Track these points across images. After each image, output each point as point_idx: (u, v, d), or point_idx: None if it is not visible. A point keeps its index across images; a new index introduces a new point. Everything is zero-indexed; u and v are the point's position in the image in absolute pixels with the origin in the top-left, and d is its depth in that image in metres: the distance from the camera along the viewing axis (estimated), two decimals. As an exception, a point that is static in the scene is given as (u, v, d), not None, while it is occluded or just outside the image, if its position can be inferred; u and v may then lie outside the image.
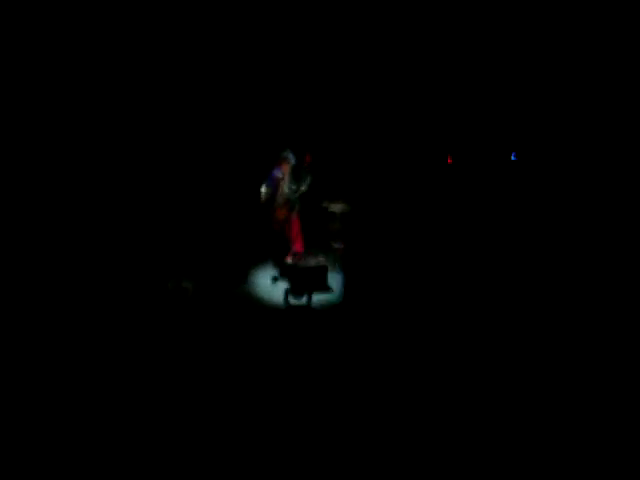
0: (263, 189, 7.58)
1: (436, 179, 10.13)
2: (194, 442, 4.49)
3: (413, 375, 5.53)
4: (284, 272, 7.84)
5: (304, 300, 7.50)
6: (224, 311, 7.21)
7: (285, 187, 7.61)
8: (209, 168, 9.70)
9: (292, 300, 7.50)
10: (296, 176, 7.67)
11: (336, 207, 8.26)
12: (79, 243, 8.13)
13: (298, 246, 7.98)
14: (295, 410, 4.90)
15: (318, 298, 7.55)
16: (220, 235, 8.77)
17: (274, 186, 7.53)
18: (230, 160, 9.67)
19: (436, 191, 9.90)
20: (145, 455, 4.30)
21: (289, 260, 7.95)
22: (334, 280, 7.88)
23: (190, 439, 4.50)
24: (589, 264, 7.99)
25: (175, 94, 9.75)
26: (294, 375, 5.66)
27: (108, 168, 9.27)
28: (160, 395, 5.18)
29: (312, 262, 7.93)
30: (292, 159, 7.55)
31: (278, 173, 7.55)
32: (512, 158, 11.43)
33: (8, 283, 7.07)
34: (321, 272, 7.74)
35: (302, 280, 7.58)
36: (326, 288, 7.69)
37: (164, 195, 9.14)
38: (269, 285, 7.89)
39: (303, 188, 7.81)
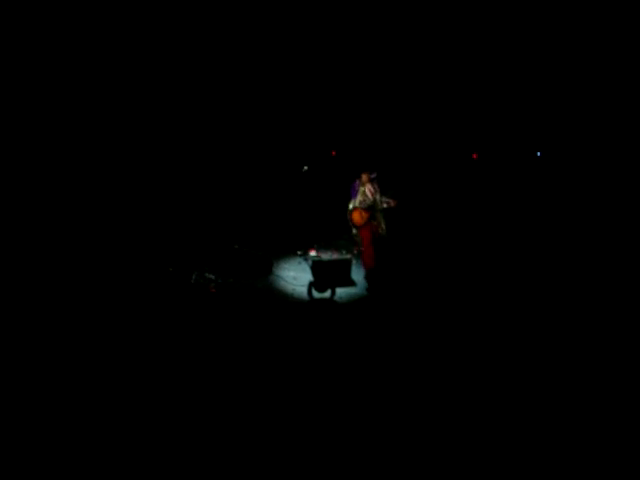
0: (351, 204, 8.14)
1: (462, 175, 10.10)
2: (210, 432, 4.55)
3: (428, 371, 5.55)
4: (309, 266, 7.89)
5: (327, 293, 7.55)
6: (247, 303, 7.26)
7: (371, 195, 8.01)
8: (237, 161, 9.77)
9: (316, 293, 7.54)
10: (380, 188, 8.11)
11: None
12: (106, 235, 8.23)
13: (367, 258, 8.04)
14: (311, 403, 4.95)
15: (341, 292, 7.59)
16: (245, 227, 8.85)
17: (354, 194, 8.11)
18: (260, 153, 9.72)
19: (461, 186, 9.87)
20: (159, 440, 4.37)
21: (313, 253, 7.99)
22: (357, 274, 7.91)
23: (208, 429, 4.55)
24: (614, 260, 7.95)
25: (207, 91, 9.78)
26: (314, 368, 5.68)
27: (137, 158, 9.36)
28: (181, 385, 5.25)
29: (336, 256, 7.97)
30: (374, 175, 8.09)
31: (358, 184, 8.13)
32: (537, 154, 11.38)
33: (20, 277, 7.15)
34: (344, 266, 7.77)
35: (326, 274, 7.62)
36: (349, 282, 7.72)
37: (191, 188, 9.22)
38: (293, 278, 7.96)
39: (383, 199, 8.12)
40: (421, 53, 10.15)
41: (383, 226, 7.99)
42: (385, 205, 7.96)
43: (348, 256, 8.00)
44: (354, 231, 8.11)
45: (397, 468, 4.05)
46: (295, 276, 8.03)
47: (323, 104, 9.74)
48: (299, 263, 8.23)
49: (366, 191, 8.00)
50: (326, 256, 7.89)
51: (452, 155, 10.34)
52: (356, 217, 7.98)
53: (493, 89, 10.55)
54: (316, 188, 8.82)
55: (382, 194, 7.97)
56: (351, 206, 8.06)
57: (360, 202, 7.97)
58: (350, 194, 8.06)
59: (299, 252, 8.19)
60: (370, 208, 7.95)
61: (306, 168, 8.28)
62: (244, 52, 9.76)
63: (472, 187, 9.93)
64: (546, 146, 10.74)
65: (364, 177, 7.99)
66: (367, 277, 7.97)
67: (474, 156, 10.31)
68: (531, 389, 5.03)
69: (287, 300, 7.49)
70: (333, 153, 8.55)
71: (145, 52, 9.46)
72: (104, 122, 9.30)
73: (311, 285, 7.55)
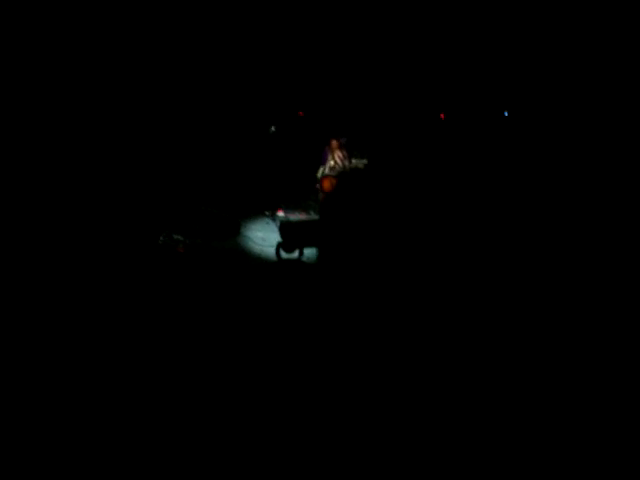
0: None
1: (429, 135, 10.10)
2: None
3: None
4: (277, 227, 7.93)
5: (295, 254, 7.62)
6: (215, 264, 7.25)
7: (340, 161, 8.05)
8: (204, 121, 9.55)
9: (284, 254, 7.61)
10: (349, 153, 8.17)
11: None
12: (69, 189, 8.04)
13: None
14: (287, 370, 5.02)
15: (309, 252, 7.67)
16: (213, 188, 8.76)
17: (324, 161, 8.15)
18: (227, 111, 9.52)
19: (428, 147, 9.88)
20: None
21: (281, 214, 8.02)
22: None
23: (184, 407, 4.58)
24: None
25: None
26: (285, 331, 5.74)
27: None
28: (152, 354, 5.25)
29: (304, 217, 8.03)
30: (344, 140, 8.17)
31: (328, 151, 8.14)
32: (504, 114, 11.46)
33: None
34: (312, 227, 7.84)
35: (294, 234, 7.68)
36: (317, 243, 7.79)
37: (158, 143, 9.02)
38: (261, 238, 8.00)
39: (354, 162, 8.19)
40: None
41: None
42: (354, 167, 7.99)
43: (316, 217, 8.06)
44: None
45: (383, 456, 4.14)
46: (263, 237, 8.06)
47: (293, 62, 9.56)
48: (267, 224, 8.26)
49: (335, 157, 7.99)
50: (294, 217, 7.95)
51: (420, 115, 10.32)
52: (326, 184, 7.98)
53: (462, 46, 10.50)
54: (283, 149, 8.76)
55: (350, 158, 7.99)
56: (320, 173, 8.05)
57: (330, 169, 7.97)
58: (321, 161, 8.04)
59: (267, 213, 8.21)
60: (340, 175, 7.96)
61: (273, 129, 8.21)
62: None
63: (441, 150, 9.95)
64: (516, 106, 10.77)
65: (333, 143, 7.96)
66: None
67: (441, 116, 10.33)
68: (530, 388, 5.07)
69: (255, 261, 7.53)
70: (300, 114, 8.45)
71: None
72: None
73: (279, 246, 7.60)
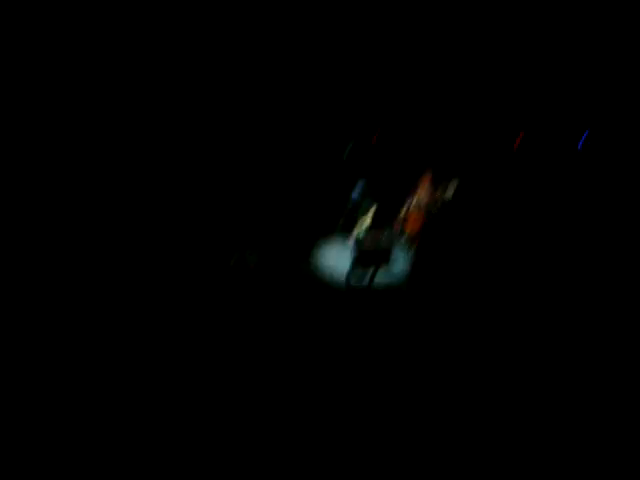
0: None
1: (501, 166, 9.83)
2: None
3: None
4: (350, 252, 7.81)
5: (366, 281, 7.48)
6: (285, 285, 7.23)
7: (429, 198, 7.67)
8: (282, 142, 9.58)
9: (354, 279, 7.48)
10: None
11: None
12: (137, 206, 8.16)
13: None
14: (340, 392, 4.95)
15: (380, 280, 7.50)
16: (287, 209, 8.74)
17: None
18: (299, 131, 9.51)
19: (501, 178, 9.60)
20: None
21: (354, 239, 7.89)
22: (397, 263, 7.82)
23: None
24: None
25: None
26: (349, 356, 5.67)
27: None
28: (215, 369, 5.25)
29: (377, 243, 7.86)
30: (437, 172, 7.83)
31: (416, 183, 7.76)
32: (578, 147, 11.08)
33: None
34: (385, 254, 7.68)
35: (366, 261, 7.55)
36: (390, 270, 7.64)
37: (231, 163, 9.09)
38: (333, 262, 7.88)
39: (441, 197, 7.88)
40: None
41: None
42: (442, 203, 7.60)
43: (390, 243, 7.89)
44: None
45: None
46: (334, 261, 7.94)
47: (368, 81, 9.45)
48: (339, 248, 8.13)
49: (424, 192, 7.67)
50: (367, 243, 7.79)
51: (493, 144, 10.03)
52: (413, 224, 7.72)
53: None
54: (359, 172, 8.64)
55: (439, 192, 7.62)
56: (404, 210, 7.72)
57: (415, 205, 7.65)
58: (401, 192, 7.73)
59: (340, 236, 8.09)
60: (425, 210, 7.65)
61: (348, 151, 8.12)
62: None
63: (513, 179, 9.65)
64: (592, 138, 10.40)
65: (425, 176, 7.66)
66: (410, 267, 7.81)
67: (516, 143, 10.02)
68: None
69: (324, 285, 7.43)
70: (374, 140, 8.32)
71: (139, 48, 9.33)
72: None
73: (350, 270, 7.48)
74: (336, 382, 5.13)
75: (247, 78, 9.52)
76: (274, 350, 5.77)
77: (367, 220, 7.75)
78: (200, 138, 9.21)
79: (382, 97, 9.36)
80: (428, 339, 6.09)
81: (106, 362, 5.20)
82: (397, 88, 9.51)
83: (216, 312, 6.47)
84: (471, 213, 7.90)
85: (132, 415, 4.43)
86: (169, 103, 9.25)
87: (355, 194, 7.79)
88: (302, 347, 5.86)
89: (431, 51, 9.66)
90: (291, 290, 7.21)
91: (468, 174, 8.77)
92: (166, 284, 6.90)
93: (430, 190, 7.62)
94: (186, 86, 9.29)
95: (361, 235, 7.79)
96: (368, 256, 7.55)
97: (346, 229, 8.04)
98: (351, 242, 7.80)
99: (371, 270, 7.48)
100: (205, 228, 8.04)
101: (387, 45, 9.51)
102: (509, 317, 6.63)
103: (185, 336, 5.90)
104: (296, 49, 9.49)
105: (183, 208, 8.33)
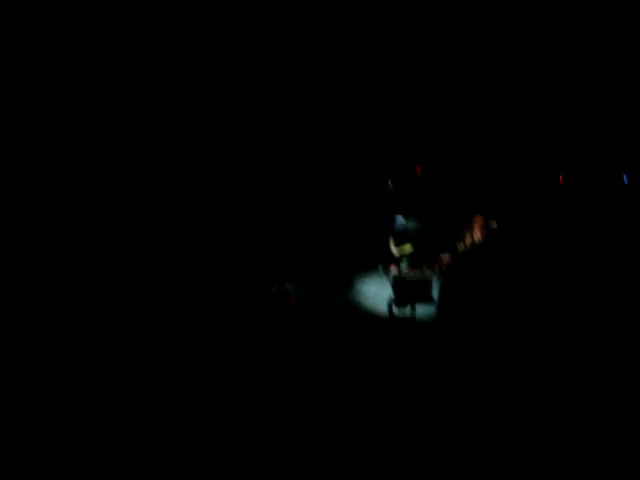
0: None
1: (548, 199, 9.77)
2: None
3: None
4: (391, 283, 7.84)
5: (407, 312, 7.47)
6: (326, 317, 7.29)
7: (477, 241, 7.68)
8: (319, 171, 9.77)
9: (396, 311, 7.49)
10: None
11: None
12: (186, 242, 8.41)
13: None
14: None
15: (422, 311, 7.49)
16: (328, 240, 8.88)
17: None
18: (343, 164, 9.68)
19: (547, 210, 9.53)
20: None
21: (394, 271, 7.93)
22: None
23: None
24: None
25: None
26: (391, 386, 5.68)
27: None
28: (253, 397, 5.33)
29: (417, 275, 7.87)
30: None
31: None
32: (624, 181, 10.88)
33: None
34: (425, 285, 7.67)
35: (406, 292, 7.56)
36: (430, 301, 7.61)
37: (272, 199, 9.31)
38: (374, 293, 7.93)
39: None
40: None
41: None
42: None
43: (430, 275, 7.88)
44: None
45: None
46: (375, 291, 7.99)
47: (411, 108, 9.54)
48: (380, 278, 8.18)
49: (475, 236, 7.66)
50: (407, 273, 7.81)
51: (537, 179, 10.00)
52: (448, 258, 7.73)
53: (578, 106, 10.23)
54: (399, 205, 8.76)
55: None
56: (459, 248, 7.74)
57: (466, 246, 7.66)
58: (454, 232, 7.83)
59: (380, 267, 8.14)
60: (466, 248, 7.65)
61: (390, 183, 8.27)
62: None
63: (559, 212, 9.56)
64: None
65: (478, 220, 7.62)
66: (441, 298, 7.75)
67: (561, 181, 9.96)
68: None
69: (366, 316, 7.46)
70: (418, 170, 8.45)
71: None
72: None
73: (391, 302, 7.50)
74: (374, 406, 5.15)
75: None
76: (314, 376, 5.81)
77: (407, 250, 7.80)
78: (242, 168, 9.45)
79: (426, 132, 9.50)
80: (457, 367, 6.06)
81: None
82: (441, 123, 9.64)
83: (258, 340, 6.58)
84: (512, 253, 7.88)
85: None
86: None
87: (397, 225, 7.86)
88: (342, 373, 5.89)
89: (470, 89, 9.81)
90: (332, 320, 7.26)
91: (510, 214, 8.78)
92: (212, 312, 7.07)
93: (476, 231, 7.60)
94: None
95: (403, 266, 7.84)
96: (409, 287, 7.56)
97: (387, 260, 8.09)
98: (392, 273, 7.84)
99: (411, 301, 7.48)
100: (249, 259, 8.23)
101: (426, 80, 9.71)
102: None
103: (228, 361, 6.02)
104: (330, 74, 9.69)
105: (227, 237, 8.55)
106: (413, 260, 7.78)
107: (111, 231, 8.10)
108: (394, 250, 7.87)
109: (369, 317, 7.44)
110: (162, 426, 4.71)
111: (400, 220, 7.88)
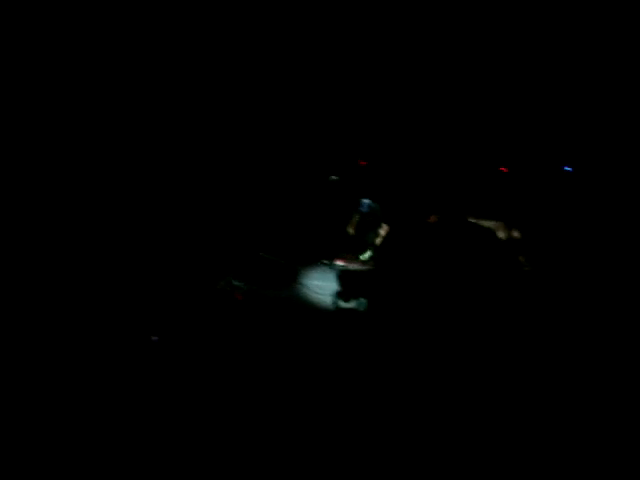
0: None
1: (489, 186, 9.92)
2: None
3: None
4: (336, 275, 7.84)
5: (353, 304, 7.48)
6: (272, 311, 7.26)
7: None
8: (261, 168, 9.69)
9: (341, 303, 7.49)
10: None
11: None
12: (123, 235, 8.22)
13: None
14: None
15: (365, 301, 7.52)
16: (272, 234, 8.80)
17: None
18: (285, 158, 9.61)
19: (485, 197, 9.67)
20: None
21: (340, 262, 7.93)
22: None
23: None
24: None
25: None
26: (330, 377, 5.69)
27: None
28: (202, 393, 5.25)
29: (362, 266, 7.91)
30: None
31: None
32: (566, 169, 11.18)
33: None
34: (372, 276, 7.71)
35: (353, 284, 7.58)
36: (377, 293, 7.64)
37: (213, 190, 9.16)
38: (319, 287, 7.89)
39: None
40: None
41: None
42: None
43: (375, 266, 7.92)
44: None
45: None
46: (320, 285, 7.95)
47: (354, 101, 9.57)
48: (325, 272, 8.16)
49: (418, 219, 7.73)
50: (353, 266, 7.83)
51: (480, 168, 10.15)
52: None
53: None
54: (343, 198, 8.74)
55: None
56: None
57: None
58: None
59: (325, 261, 8.12)
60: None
61: (334, 177, 8.23)
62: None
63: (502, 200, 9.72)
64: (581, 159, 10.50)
65: (432, 219, 7.74)
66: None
67: (504, 170, 10.13)
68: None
69: (311, 310, 7.45)
70: (362, 163, 8.44)
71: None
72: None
73: (337, 295, 7.50)
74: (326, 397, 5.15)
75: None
76: (263, 369, 5.79)
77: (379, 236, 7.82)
78: (185, 156, 9.30)
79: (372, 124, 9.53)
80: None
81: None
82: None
83: (204, 335, 6.49)
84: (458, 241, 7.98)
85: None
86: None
87: (364, 208, 7.82)
88: (289, 367, 5.88)
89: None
90: (281, 314, 7.23)
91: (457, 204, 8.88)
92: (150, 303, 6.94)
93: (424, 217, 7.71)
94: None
95: (366, 256, 7.86)
96: (355, 279, 7.58)
97: (332, 253, 8.08)
98: (338, 266, 7.84)
99: (357, 292, 7.50)
100: (193, 254, 8.09)
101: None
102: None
103: (170, 358, 5.91)
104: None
105: (167, 230, 8.39)
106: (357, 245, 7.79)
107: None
108: (356, 234, 7.85)
109: (314, 310, 7.42)
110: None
111: (367, 202, 7.83)
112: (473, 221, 8.11)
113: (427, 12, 9.68)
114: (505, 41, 9.98)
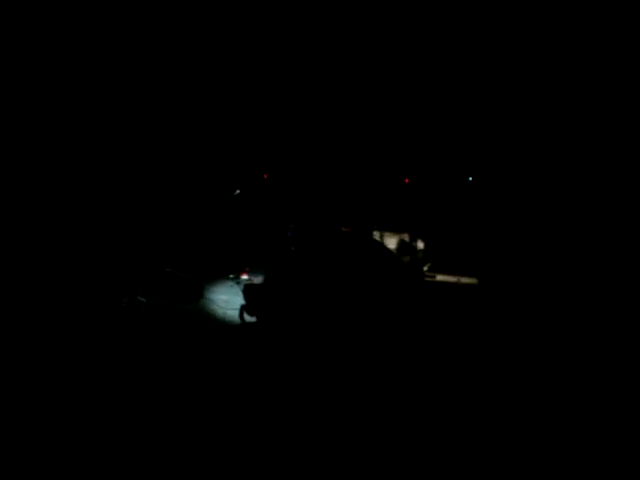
0: None
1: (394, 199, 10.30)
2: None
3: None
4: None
5: (258, 317, 7.56)
6: (178, 326, 7.24)
7: None
8: (168, 185, 9.64)
9: (247, 317, 7.56)
10: None
11: None
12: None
13: None
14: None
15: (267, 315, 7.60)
16: (177, 250, 8.75)
17: None
18: (189, 175, 9.61)
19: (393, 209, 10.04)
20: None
21: (245, 277, 8.02)
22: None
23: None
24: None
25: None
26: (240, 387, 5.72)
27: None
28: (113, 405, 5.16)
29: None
30: None
31: None
32: (469, 179, 11.78)
33: None
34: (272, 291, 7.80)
35: (258, 297, 7.64)
36: (280, 306, 7.74)
37: (124, 214, 9.03)
38: (225, 301, 7.95)
39: None
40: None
41: None
42: None
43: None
44: None
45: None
46: (227, 299, 8.02)
47: (257, 125, 9.73)
48: (231, 287, 8.22)
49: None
50: (258, 280, 7.92)
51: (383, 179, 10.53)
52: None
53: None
54: (247, 212, 8.85)
55: None
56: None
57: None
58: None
59: (231, 276, 8.18)
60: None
61: (238, 192, 8.34)
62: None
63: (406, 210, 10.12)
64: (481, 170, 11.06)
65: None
66: None
67: (406, 180, 10.58)
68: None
69: (217, 323, 7.48)
70: (265, 176, 8.62)
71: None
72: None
73: (242, 308, 7.54)
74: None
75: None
76: (170, 379, 5.72)
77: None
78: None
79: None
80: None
81: None
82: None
83: (111, 348, 6.37)
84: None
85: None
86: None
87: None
88: (195, 375, 5.85)
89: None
90: (186, 328, 7.19)
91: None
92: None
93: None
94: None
95: (254, 272, 7.96)
96: (258, 290, 7.67)
97: (238, 268, 8.17)
98: (244, 281, 7.93)
99: (262, 307, 7.59)
100: (99, 270, 7.93)
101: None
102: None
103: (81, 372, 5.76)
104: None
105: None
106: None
107: None
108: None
109: (220, 324, 7.46)
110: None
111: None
112: (377, 233, 8.44)
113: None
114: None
